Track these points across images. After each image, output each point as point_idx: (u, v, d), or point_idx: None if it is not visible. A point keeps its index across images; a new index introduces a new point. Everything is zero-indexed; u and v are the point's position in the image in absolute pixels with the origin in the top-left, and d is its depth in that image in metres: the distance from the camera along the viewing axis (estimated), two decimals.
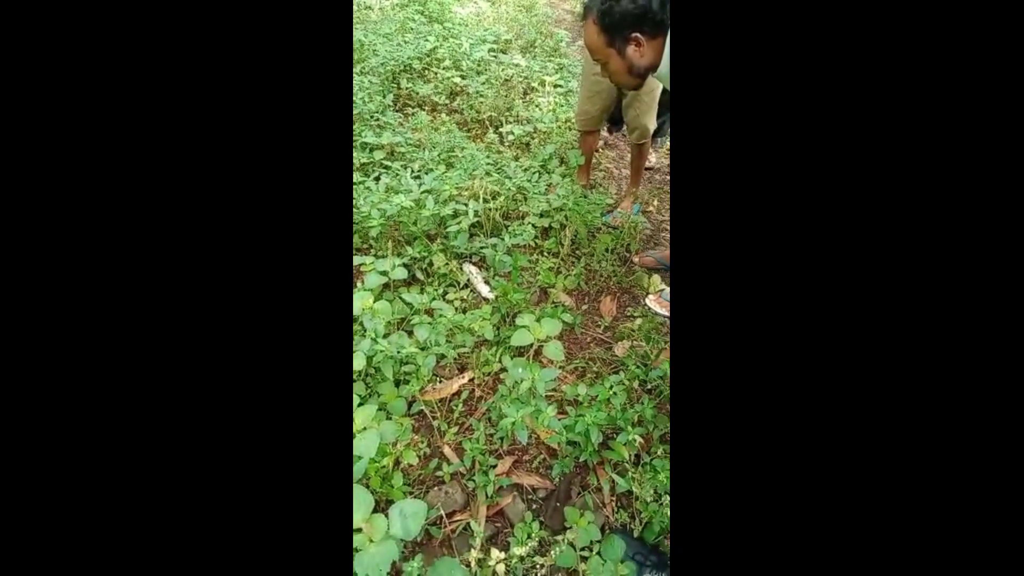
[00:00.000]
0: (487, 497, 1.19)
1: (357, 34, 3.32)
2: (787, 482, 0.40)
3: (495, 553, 1.04)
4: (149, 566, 0.40)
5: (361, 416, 1.03)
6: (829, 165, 0.40)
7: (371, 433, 0.98)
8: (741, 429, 0.41)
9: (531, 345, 1.41)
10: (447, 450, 1.31)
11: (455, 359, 1.39)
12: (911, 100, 0.39)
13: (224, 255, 0.44)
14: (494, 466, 1.24)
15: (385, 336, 1.25)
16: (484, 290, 1.84)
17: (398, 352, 1.19)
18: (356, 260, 1.66)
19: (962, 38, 0.38)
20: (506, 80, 3.27)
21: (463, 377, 1.44)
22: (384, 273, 1.59)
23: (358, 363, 1.16)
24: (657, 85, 1.92)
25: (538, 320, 1.42)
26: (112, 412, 0.40)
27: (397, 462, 1.17)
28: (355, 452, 0.96)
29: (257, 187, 0.45)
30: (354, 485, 0.89)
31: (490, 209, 2.07)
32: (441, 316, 1.36)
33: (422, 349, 1.28)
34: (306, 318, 0.45)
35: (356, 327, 1.28)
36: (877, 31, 0.39)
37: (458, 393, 1.40)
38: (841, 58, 0.40)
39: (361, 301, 1.29)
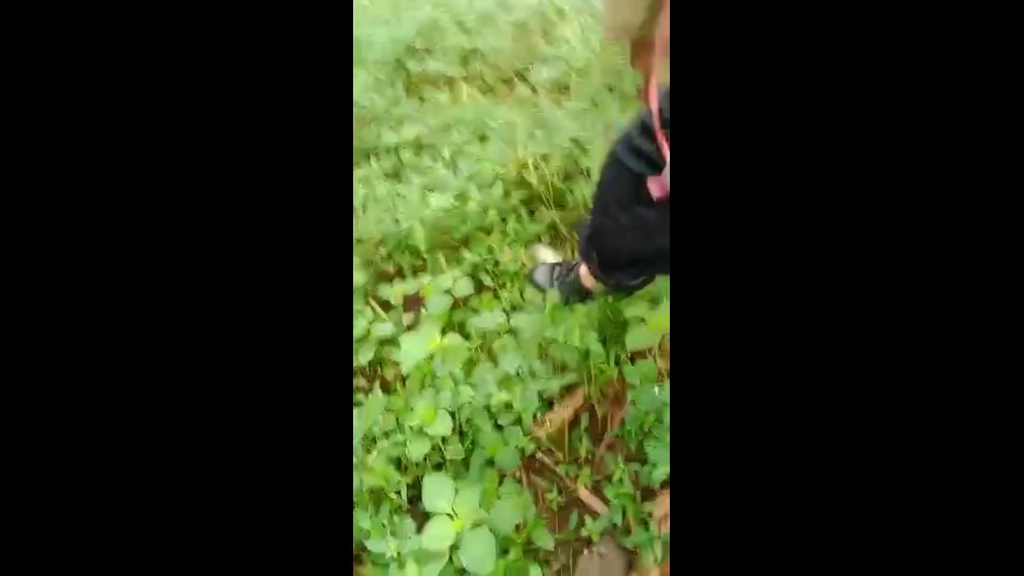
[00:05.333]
0: (656, 560, 0.88)
1: (354, 31, 3.04)
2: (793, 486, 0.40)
3: None
4: (145, 560, 0.40)
5: (463, 507, 0.76)
6: (833, 163, 0.40)
7: (480, 537, 0.70)
8: (745, 433, 0.41)
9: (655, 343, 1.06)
10: (584, 495, 1.02)
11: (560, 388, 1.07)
12: (914, 96, 0.39)
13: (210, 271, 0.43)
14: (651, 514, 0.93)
15: (468, 381, 0.97)
16: None
17: (488, 400, 0.91)
18: (411, 284, 1.40)
19: (963, 36, 0.38)
20: (520, 24, 2.82)
21: (576, 397, 1.13)
22: (447, 292, 1.31)
23: (443, 428, 0.89)
24: None
25: (652, 303, 1.06)
26: (111, 411, 0.41)
27: (529, 546, 0.89)
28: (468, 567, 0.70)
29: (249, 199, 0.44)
30: None
31: (546, 176, 1.72)
32: (528, 336, 1.05)
33: (514, 387, 0.98)
34: (301, 330, 0.45)
35: (423, 376, 1.01)
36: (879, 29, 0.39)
37: (576, 420, 1.10)
38: (846, 55, 0.40)
39: (427, 341, 1.01)
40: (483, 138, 2.06)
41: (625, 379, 1.02)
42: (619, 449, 1.06)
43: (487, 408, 0.92)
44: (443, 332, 1.20)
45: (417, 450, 0.88)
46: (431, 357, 1.00)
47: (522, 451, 0.96)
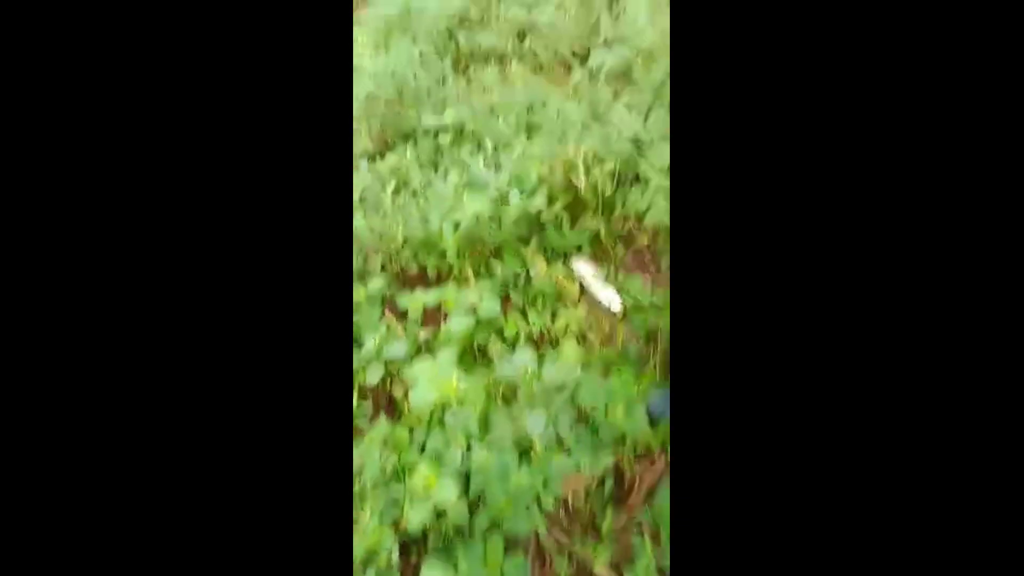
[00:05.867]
0: None
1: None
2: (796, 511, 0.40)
3: None
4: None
5: None
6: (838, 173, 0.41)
7: None
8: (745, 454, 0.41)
9: None
10: (602, 573, 0.89)
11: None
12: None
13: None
14: None
15: (482, 438, 0.83)
16: (607, 298, 1.34)
17: (504, 471, 0.78)
18: (433, 295, 1.27)
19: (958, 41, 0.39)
20: None
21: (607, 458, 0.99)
22: (472, 311, 1.18)
23: (448, 494, 0.77)
24: None
25: None
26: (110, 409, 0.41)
27: None
28: None
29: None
30: None
31: (596, 180, 1.54)
32: (556, 382, 0.91)
33: (535, 456, 0.84)
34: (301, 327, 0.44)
35: (427, 427, 0.88)
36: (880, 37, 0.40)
37: (602, 482, 0.96)
38: (848, 65, 0.41)
39: (441, 384, 0.89)
40: (531, 128, 1.89)
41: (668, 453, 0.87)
42: (645, 523, 0.92)
43: (503, 480, 0.80)
44: (461, 358, 1.07)
45: (417, 516, 0.77)
46: (444, 403, 0.87)
47: (537, 532, 0.83)
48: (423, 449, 0.92)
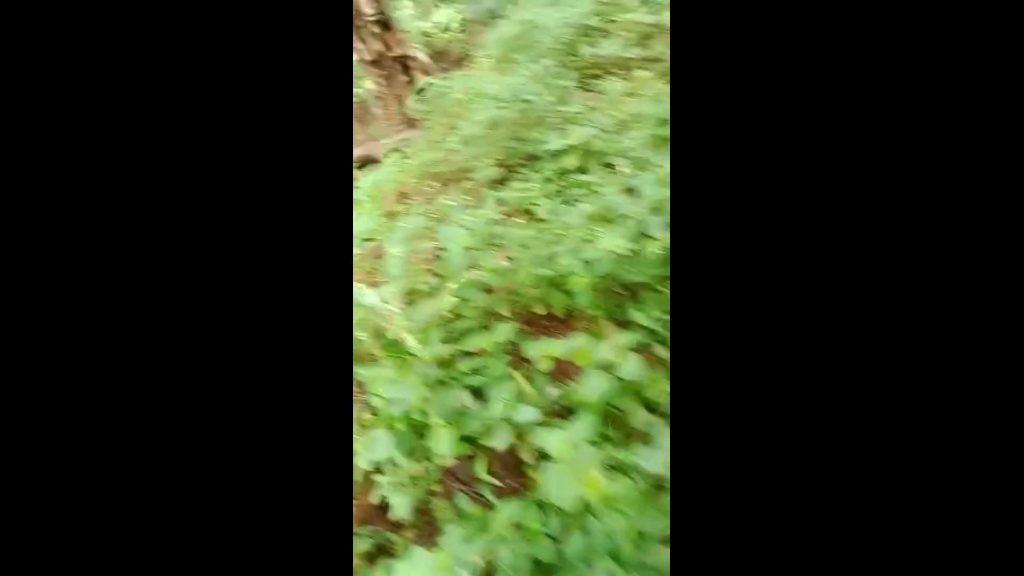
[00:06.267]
0: None
1: (522, 14, 2.79)
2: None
3: None
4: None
5: None
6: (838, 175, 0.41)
7: None
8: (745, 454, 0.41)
9: None
10: None
11: None
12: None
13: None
14: None
15: (634, 562, 0.66)
16: None
17: None
18: (564, 345, 1.13)
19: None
20: None
21: None
22: (608, 368, 1.01)
23: None
24: None
25: None
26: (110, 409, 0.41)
27: None
28: None
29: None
30: None
31: None
32: None
33: None
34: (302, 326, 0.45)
35: (566, 525, 0.73)
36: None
37: None
38: (849, 65, 0.40)
39: (578, 474, 0.73)
40: (666, 144, 1.68)
41: None
42: None
43: None
44: (599, 431, 0.91)
45: None
46: (585, 501, 0.72)
47: None
48: (557, 541, 0.78)
